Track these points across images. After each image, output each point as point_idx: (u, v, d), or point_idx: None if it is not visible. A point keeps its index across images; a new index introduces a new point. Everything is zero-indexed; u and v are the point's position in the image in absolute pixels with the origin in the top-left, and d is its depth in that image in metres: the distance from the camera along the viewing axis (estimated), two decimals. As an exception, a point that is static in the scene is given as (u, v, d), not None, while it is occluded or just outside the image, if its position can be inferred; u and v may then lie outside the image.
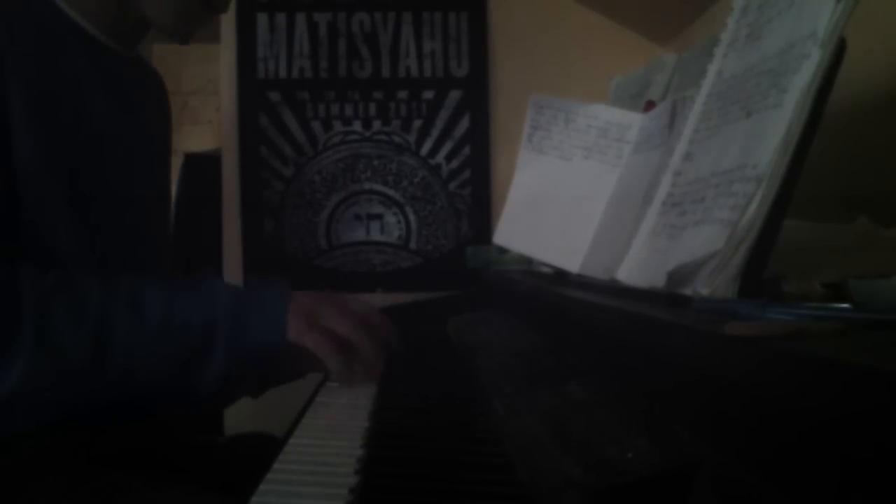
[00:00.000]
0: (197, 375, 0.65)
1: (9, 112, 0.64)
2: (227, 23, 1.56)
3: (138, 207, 0.82)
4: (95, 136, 0.75)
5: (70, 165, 0.70)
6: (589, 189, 0.81)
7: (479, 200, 1.59)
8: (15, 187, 0.65)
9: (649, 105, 0.85)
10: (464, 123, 1.58)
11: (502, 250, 1.03)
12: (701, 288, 0.46)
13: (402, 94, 1.58)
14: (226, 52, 1.57)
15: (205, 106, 3.08)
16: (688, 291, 0.48)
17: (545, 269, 0.92)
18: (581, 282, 0.77)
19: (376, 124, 1.58)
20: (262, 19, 1.56)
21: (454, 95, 1.58)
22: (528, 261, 1.04)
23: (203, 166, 1.89)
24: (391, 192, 1.58)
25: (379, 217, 1.58)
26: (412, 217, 1.59)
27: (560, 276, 0.85)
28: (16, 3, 0.69)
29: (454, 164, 1.59)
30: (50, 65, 0.70)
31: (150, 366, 0.63)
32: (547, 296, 0.76)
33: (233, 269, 1.57)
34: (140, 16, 0.79)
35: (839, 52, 0.44)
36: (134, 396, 0.66)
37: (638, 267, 0.59)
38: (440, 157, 1.59)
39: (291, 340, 0.67)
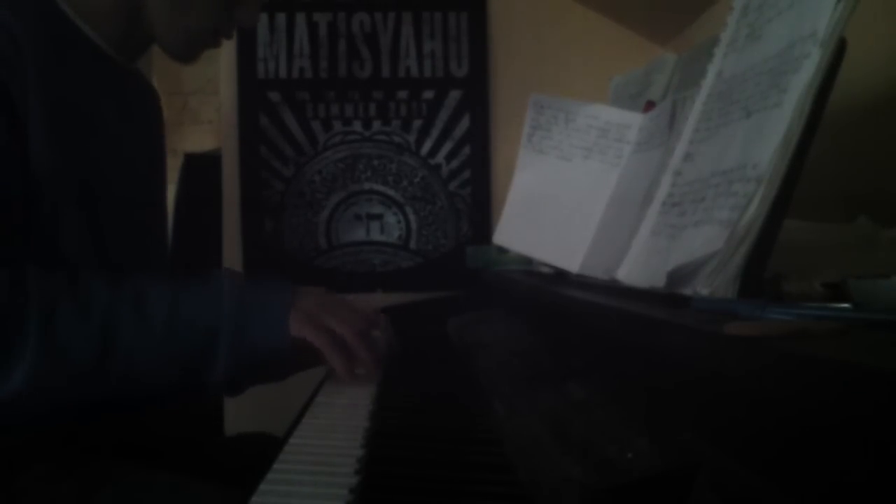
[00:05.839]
0: (201, 376, 0.65)
1: (28, 120, 0.66)
2: (227, 23, 1.56)
3: (140, 210, 0.84)
4: (103, 141, 0.77)
5: (81, 169, 0.72)
6: (589, 189, 0.81)
7: (479, 200, 1.59)
8: (31, 191, 0.66)
9: (649, 105, 0.85)
10: (464, 123, 1.58)
11: (502, 250, 1.03)
12: (701, 288, 0.46)
13: (402, 94, 1.58)
14: (226, 52, 1.57)
15: (205, 106, 3.08)
16: (688, 291, 0.48)
17: (545, 269, 0.92)
18: (581, 282, 0.77)
19: (376, 124, 1.58)
20: (261, 19, 1.56)
21: (454, 95, 1.58)
22: (528, 261, 1.04)
23: (203, 166, 1.89)
24: (391, 192, 1.58)
25: (379, 217, 1.58)
26: (412, 217, 1.59)
27: (560, 276, 0.85)
28: (33, 14, 0.70)
29: (454, 164, 1.59)
30: (64, 74, 0.72)
31: (153, 366, 0.64)
32: (547, 296, 0.75)
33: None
34: (146, 34, 0.81)
35: (839, 52, 0.44)
36: (137, 396, 0.66)
37: (638, 267, 0.59)
38: (440, 157, 1.58)
39: (294, 334, 0.67)
